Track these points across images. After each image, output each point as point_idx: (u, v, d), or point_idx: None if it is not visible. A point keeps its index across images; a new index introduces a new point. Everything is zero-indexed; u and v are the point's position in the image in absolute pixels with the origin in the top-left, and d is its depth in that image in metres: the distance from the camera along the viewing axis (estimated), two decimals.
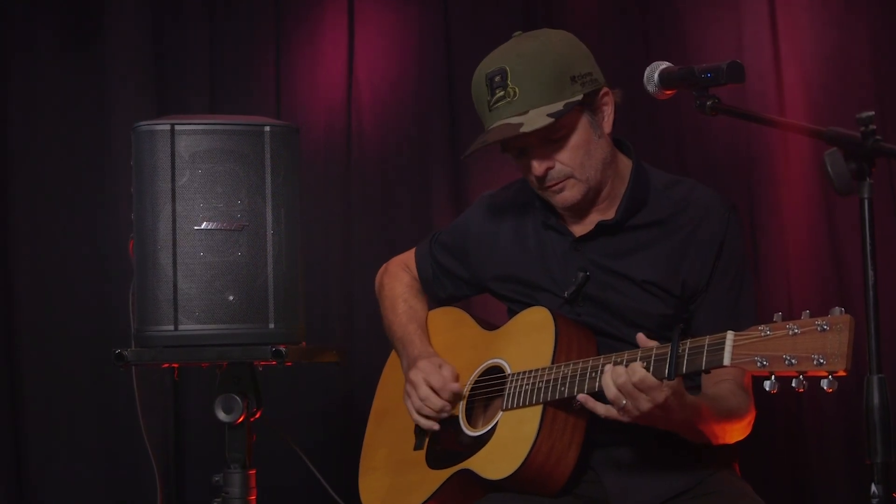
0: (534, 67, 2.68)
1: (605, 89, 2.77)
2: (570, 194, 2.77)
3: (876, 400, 2.10)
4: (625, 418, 2.52)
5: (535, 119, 2.65)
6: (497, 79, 2.70)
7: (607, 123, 2.79)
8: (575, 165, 2.74)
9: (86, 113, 4.53)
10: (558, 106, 2.66)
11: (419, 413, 2.93)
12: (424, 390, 2.91)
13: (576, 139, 2.73)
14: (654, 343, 2.52)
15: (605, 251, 2.82)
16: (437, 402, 2.89)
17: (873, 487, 2.11)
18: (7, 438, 4.40)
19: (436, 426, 2.92)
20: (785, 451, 4.04)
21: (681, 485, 2.74)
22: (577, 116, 2.73)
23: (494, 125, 2.71)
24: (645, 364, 2.47)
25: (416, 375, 2.94)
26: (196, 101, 4.50)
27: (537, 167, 2.73)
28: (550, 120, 2.64)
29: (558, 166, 2.74)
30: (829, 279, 3.98)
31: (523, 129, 2.64)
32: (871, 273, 2.13)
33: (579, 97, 2.69)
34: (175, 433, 4.41)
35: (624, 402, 2.49)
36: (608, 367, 2.52)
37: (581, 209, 2.82)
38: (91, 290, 4.47)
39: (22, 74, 4.51)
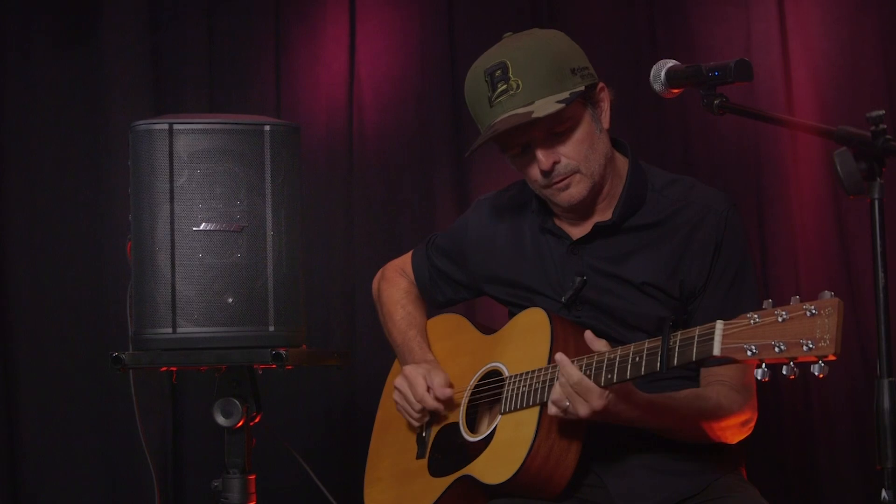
0: (535, 59, 2.69)
1: (601, 84, 2.79)
2: (576, 190, 2.76)
3: (886, 404, 2.10)
4: (571, 417, 2.56)
5: (545, 106, 2.65)
6: (498, 73, 2.70)
7: (605, 118, 2.80)
8: (580, 159, 2.74)
9: (82, 112, 4.53)
10: (564, 95, 2.67)
11: (409, 416, 2.99)
12: (409, 396, 2.96)
13: (580, 132, 2.74)
14: (603, 342, 2.56)
15: (603, 254, 2.82)
16: (415, 409, 2.96)
17: (884, 493, 2.10)
18: (2, 443, 4.40)
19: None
20: (794, 455, 4.04)
21: (687, 489, 2.74)
22: (580, 109, 2.74)
23: (500, 118, 2.70)
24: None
25: (400, 383, 2.99)
26: (194, 99, 4.50)
27: (544, 160, 2.73)
28: (561, 105, 2.65)
29: (564, 160, 2.74)
30: (839, 281, 3.98)
31: (535, 115, 2.64)
32: (881, 275, 2.13)
33: (582, 87, 2.70)
34: (173, 438, 4.41)
35: (566, 403, 2.53)
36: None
37: (582, 209, 2.82)
38: (88, 293, 4.47)
39: (16, 72, 4.51)
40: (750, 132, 4.10)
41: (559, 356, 2.56)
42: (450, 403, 2.95)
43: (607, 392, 2.51)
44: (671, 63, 2.47)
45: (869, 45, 4.02)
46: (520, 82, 2.68)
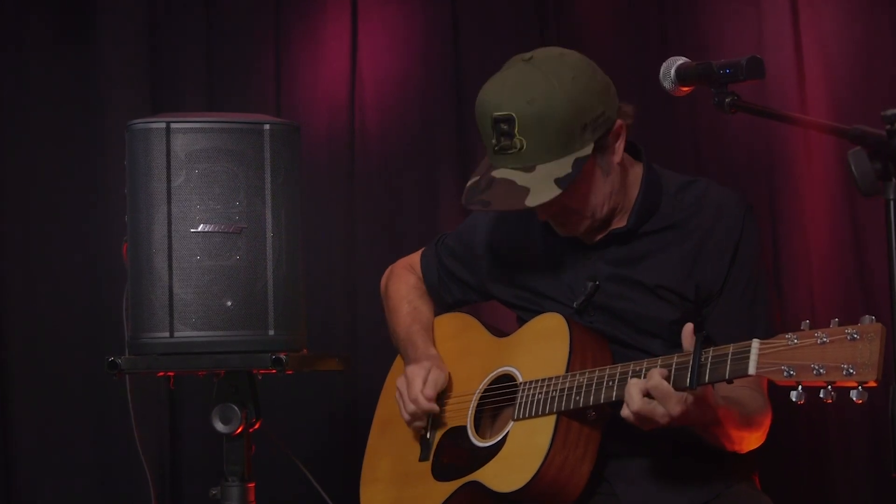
0: (543, 120, 2.62)
1: (618, 123, 2.73)
2: (572, 228, 2.79)
3: None
4: (645, 427, 2.53)
5: (542, 186, 2.62)
6: (504, 126, 2.64)
7: (618, 156, 2.76)
8: (581, 207, 2.74)
9: (77, 111, 4.53)
10: (566, 167, 2.63)
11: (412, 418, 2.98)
12: (405, 395, 2.95)
13: (582, 187, 2.72)
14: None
15: (616, 259, 2.82)
16: (407, 409, 2.95)
17: None
18: None
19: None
20: (807, 463, 4.04)
21: (698, 498, 2.75)
22: (585, 166, 2.69)
23: (498, 175, 2.67)
24: (666, 373, 2.47)
25: (401, 382, 2.98)
26: (192, 98, 4.50)
27: (541, 213, 2.76)
28: (558, 191, 2.62)
29: (562, 209, 2.74)
30: (853, 283, 3.97)
31: (528, 203, 2.63)
32: None
33: (589, 150, 2.66)
34: (171, 444, 4.41)
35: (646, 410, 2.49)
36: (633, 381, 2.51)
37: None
38: (83, 296, 4.47)
39: (11, 70, 4.51)
40: (762, 131, 4.10)
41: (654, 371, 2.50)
42: (454, 405, 2.95)
43: (685, 396, 2.46)
44: (681, 60, 2.47)
45: (884, 41, 4.01)
46: (524, 143, 2.64)
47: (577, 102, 2.64)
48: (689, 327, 2.51)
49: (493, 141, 2.68)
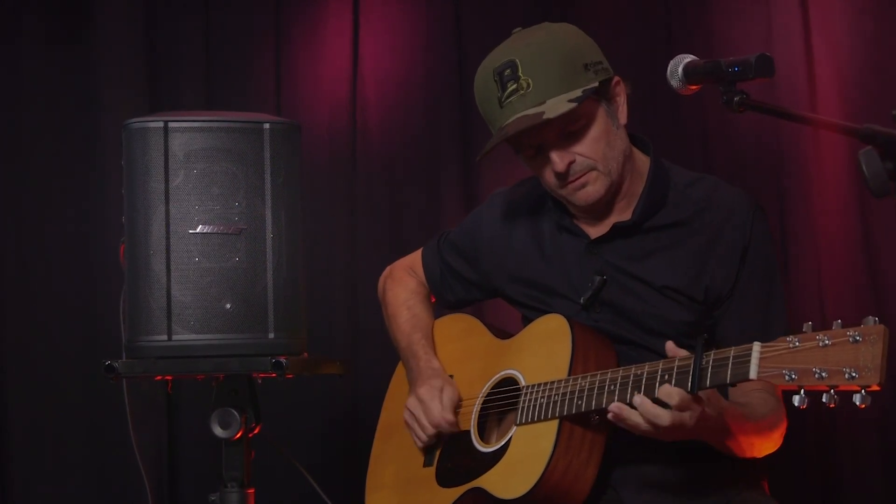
0: (545, 56, 2.68)
1: (616, 78, 2.78)
2: (593, 189, 2.75)
3: None
4: (665, 438, 2.51)
5: (556, 107, 2.64)
6: (507, 72, 2.69)
7: (622, 114, 2.79)
8: (597, 157, 2.73)
9: (74, 109, 4.54)
10: (576, 93, 2.66)
11: (418, 439, 2.97)
12: (423, 420, 2.93)
13: (595, 130, 2.73)
14: (683, 352, 2.50)
15: (623, 254, 2.81)
16: (428, 433, 2.93)
17: None
18: None
19: None
20: (817, 469, 4.04)
21: None
22: (594, 106, 2.72)
23: (511, 119, 2.70)
24: (667, 377, 2.46)
25: (414, 406, 2.96)
26: (191, 96, 4.51)
27: (559, 162, 2.72)
28: (573, 105, 2.63)
29: (579, 159, 2.73)
30: (863, 284, 3.98)
31: (546, 116, 2.63)
32: None
33: (595, 84, 2.70)
34: (169, 450, 4.42)
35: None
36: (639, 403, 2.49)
37: (599, 208, 2.81)
38: (79, 298, 4.47)
39: (6, 68, 4.52)
40: (771, 130, 4.10)
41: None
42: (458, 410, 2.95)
43: (706, 395, 2.45)
44: (688, 58, 2.47)
45: (895, 39, 4.01)
46: (530, 81, 2.68)
47: (574, 45, 2.73)
48: (670, 345, 2.52)
49: (499, 94, 2.71)
